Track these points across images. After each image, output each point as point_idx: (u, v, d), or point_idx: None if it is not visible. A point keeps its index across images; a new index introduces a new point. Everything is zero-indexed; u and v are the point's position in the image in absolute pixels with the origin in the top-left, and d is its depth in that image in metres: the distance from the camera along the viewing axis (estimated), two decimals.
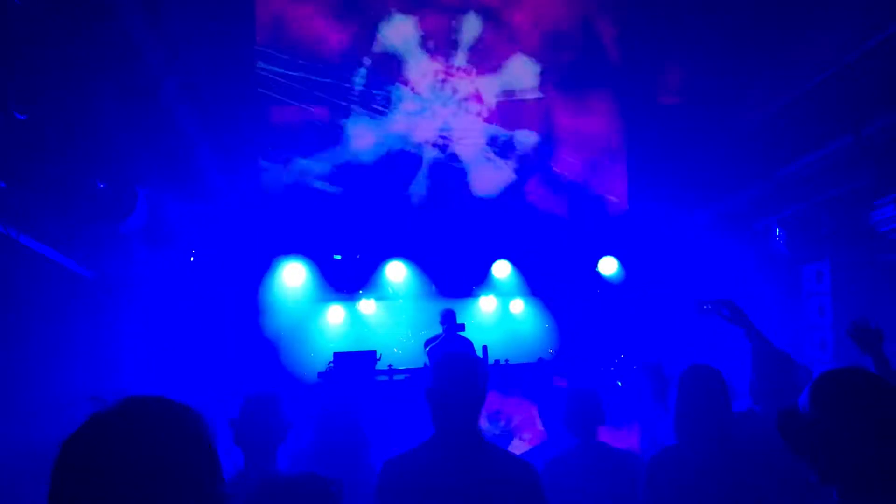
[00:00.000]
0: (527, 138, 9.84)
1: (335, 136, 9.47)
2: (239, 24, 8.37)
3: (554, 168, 9.89)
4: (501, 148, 9.81)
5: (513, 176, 9.86)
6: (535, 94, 9.77)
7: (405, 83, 9.55)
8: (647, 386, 4.79)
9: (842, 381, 1.71)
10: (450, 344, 8.55)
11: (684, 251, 9.05)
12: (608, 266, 10.03)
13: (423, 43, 9.51)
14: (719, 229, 8.59)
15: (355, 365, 8.09)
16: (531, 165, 9.86)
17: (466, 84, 9.65)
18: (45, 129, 4.98)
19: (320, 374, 8.24)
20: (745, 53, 7.50)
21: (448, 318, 8.83)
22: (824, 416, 1.61)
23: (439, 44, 9.52)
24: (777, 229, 7.27)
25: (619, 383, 7.95)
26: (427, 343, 8.98)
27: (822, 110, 6.65)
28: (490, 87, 9.72)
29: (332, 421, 4.48)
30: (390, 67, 9.47)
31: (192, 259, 8.52)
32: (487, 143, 9.78)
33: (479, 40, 9.57)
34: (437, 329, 8.93)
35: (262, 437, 3.35)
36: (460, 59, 9.60)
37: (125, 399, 1.46)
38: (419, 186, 9.72)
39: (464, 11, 9.51)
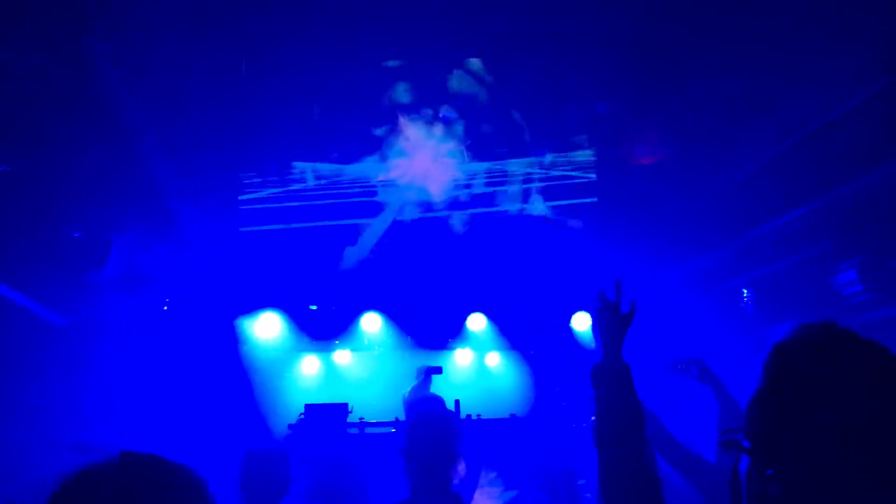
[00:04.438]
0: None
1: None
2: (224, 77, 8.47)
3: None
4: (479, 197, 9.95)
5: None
6: None
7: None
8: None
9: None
10: (422, 400, 8.52)
11: (656, 308, 9.15)
12: (582, 322, 10.09)
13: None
14: (691, 288, 8.71)
15: (327, 417, 8.05)
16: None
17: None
18: (19, 178, 5.02)
19: (291, 426, 8.18)
20: (716, 120, 7.72)
21: (425, 373, 8.82)
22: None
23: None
24: (745, 290, 7.40)
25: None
26: (406, 397, 8.93)
27: (789, 177, 6.84)
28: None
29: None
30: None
31: (165, 308, 8.51)
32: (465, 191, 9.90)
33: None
34: (413, 382, 8.91)
35: (265, 492, 3.34)
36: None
37: (121, 454, 1.40)
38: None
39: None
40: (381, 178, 9.73)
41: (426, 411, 3.03)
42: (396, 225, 9.77)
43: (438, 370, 8.85)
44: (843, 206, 6.27)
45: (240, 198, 9.14)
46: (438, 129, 9.85)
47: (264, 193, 9.34)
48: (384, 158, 9.65)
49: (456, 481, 2.87)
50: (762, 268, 7.48)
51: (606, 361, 2.33)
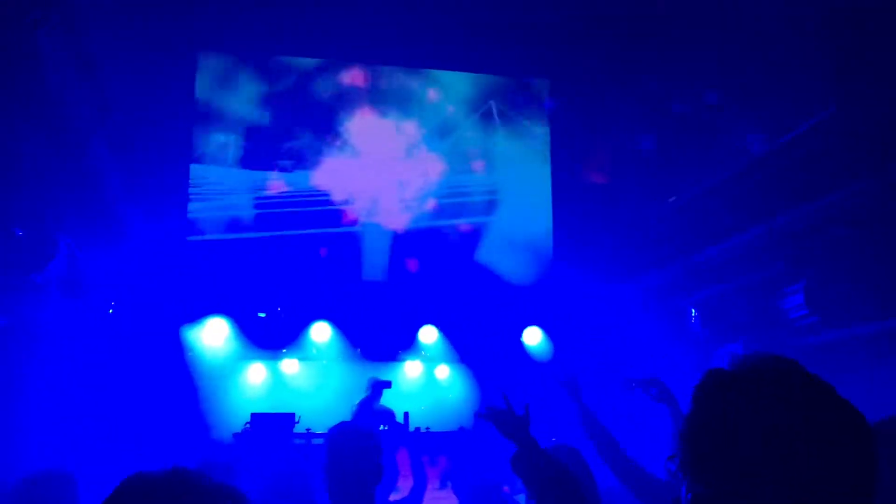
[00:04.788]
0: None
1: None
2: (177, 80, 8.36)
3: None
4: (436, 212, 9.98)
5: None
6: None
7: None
8: None
9: None
10: (371, 412, 8.44)
11: (605, 325, 9.25)
12: (533, 336, 10.13)
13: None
14: (640, 306, 8.82)
15: (273, 427, 7.92)
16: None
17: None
18: None
19: (236, 436, 8.03)
20: (665, 143, 7.88)
21: (375, 386, 8.74)
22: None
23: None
24: (693, 310, 7.53)
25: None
26: (355, 409, 8.83)
27: (739, 199, 6.99)
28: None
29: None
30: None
31: (111, 311, 8.28)
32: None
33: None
34: (361, 393, 8.82)
35: None
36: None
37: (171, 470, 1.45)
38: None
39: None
40: (331, 186, 9.69)
41: (346, 426, 2.97)
42: (352, 234, 9.72)
43: (388, 384, 8.78)
44: (791, 230, 6.43)
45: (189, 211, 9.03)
46: (393, 138, 9.87)
47: (214, 203, 9.24)
48: (333, 166, 9.62)
49: (391, 498, 2.84)
50: (710, 288, 7.62)
51: (523, 452, 2.46)
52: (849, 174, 5.73)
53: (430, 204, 9.95)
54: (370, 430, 3.03)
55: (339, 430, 2.96)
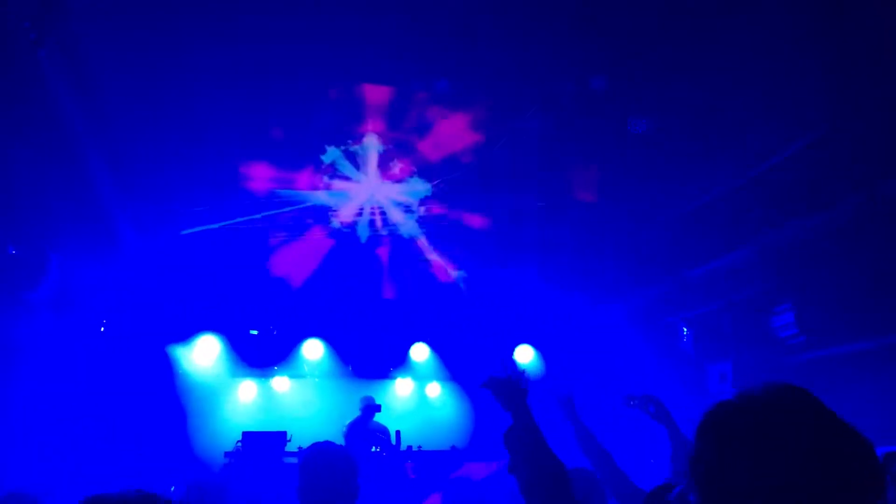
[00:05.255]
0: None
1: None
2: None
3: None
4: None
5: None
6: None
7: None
8: None
9: None
10: (365, 431, 8.45)
11: (598, 343, 9.29)
12: (524, 354, 10.16)
13: None
14: (631, 324, 8.87)
15: (264, 445, 7.90)
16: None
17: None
18: None
19: (227, 454, 7.99)
20: (656, 162, 7.93)
21: (367, 406, 8.74)
22: None
23: None
24: (684, 328, 7.57)
25: None
26: (347, 429, 8.82)
27: (729, 219, 7.05)
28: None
29: None
30: None
31: (102, 329, 8.26)
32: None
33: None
34: (354, 412, 8.81)
35: None
36: None
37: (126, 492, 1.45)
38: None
39: None
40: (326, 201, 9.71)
41: (320, 447, 2.96)
42: (344, 250, 9.73)
43: (378, 408, 8.78)
44: (780, 249, 6.49)
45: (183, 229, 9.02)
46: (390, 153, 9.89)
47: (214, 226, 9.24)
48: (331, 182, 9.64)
49: None
50: (701, 307, 7.67)
51: (518, 424, 2.42)
52: (836, 194, 5.80)
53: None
54: (344, 450, 3.00)
55: (312, 450, 2.95)
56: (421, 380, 10.49)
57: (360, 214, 9.80)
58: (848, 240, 5.84)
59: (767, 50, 6.62)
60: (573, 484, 2.34)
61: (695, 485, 1.29)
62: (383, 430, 8.52)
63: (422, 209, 9.94)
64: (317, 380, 10.06)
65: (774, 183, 6.71)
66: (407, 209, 9.88)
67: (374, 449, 8.29)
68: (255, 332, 9.72)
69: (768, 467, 1.20)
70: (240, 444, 7.95)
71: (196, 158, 9.06)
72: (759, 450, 1.23)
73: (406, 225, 9.90)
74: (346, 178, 9.75)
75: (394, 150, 9.87)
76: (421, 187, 9.97)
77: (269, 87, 8.84)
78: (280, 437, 8.06)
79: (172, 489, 3.36)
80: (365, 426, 8.55)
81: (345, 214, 9.75)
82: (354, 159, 9.79)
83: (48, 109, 5.33)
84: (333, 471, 2.83)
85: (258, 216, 9.37)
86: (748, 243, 6.78)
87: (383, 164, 9.86)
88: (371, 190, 9.86)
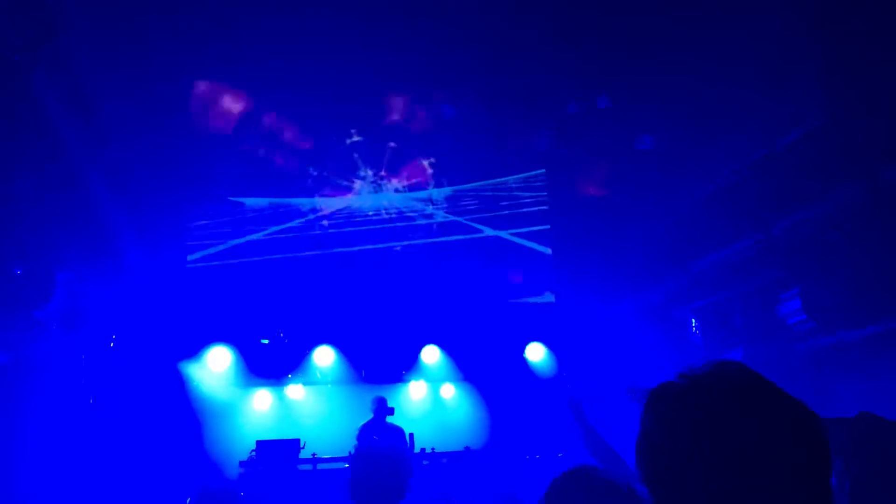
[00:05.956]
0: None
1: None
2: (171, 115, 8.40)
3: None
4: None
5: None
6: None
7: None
8: None
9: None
10: (380, 431, 8.43)
11: (609, 340, 9.24)
12: (535, 352, 10.12)
13: None
14: (641, 319, 8.82)
15: (278, 454, 7.92)
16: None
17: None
18: None
19: (242, 464, 8.02)
20: (661, 153, 7.90)
21: (380, 406, 8.73)
22: None
23: None
24: (693, 320, 7.53)
25: None
26: (359, 431, 8.81)
27: (734, 208, 7.02)
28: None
29: None
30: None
31: (112, 344, 8.31)
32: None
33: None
34: (367, 416, 8.81)
35: None
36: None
37: None
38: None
39: None
40: (330, 210, 9.76)
41: (373, 444, 3.03)
42: (350, 256, 9.76)
43: (391, 411, 8.77)
44: (787, 236, 6.45)
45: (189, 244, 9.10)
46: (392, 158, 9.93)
47: (217, 247, 9.32)
48: (332, 191, 9.69)
49: None
50: (709, 297, 7.63)
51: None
52: (839, 181, 5.76)
53: (434, 220, 10.01)
54: (399, 447, 3.06)
55: (364, 449, 3.00)
56: (434, 382, 10.47)
57: (369, 217, 9.84)
58: (853, 226, 5.80)
59: (770, 39, 6.60)
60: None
61: (640, 462, 1.30)
62: (398, 431, 8.50)
63: (432, 210, 9.98)
64: (330, 386, 10.07)
65: (778, 171, 6.68)
66: (417, 211, 9.91)
67: None
68: (266, 342, 9.74)
69: (709, 442, 1.20)
70: (254, 453, 7.98)
71: (196, 174, 9.15)
72: (699, 424, 1.23)
73: (415, 226, 9.93)
74: (352, 183, 9.81)
75: (404, 151, 9.95)
76: (432, 190, 10.02)
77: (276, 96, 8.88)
78: (293, 445, 8.08)
79: (189, 501, 3.37)
80: (378, 428, 8.54)
81: (352, 216, 9.81)
82: (364, 162, 9.85)
83: (44, 131, 5.39)
84: (389, 468, 2.88)
85: (261, 235, 9.41)
86: (755, 232, 6.74)
87: (394, 167, 9.93)
88: (381, 193, 9.92)
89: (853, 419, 2.44)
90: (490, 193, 10.22)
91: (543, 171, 10.12)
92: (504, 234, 10.13)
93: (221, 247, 9.41)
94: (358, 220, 9.94)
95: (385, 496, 2.85)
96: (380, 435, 8.39)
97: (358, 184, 9.91)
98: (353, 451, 8.11)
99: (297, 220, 9.74)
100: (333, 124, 9.65)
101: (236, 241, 9.51)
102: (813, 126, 6.29)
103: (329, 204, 9.86)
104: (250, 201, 9.58)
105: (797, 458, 1.18)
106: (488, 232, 10.16)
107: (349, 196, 9.91)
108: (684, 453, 1.22)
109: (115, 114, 6.73)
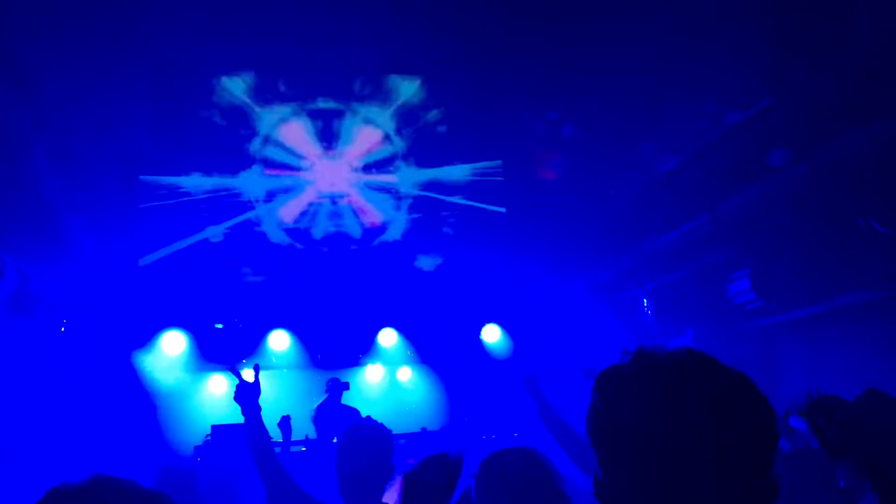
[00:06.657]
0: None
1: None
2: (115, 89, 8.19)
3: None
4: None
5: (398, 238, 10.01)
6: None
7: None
8: None
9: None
10: (336, 413, 8.42)
11: (562, 320, 9.36)
12: (491, 334, 10.20)
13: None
14: (593, 299, 8.94)
15: (234, 438, 7.86)
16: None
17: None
18: None
19: (197, 448, 7.95)
20: (612, 135, 7.99)
21: (334, 386, 8.72)
22: None
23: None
24: (645, 300, 7.66)
25: None
26: (315, 412, 8.79)
27: (683, 189, 7.14)
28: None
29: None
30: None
31: (63, 329, 8.14)
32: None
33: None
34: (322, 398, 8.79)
35: None
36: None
37: (92, 477, 1.44)
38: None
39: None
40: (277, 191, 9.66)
41: (360, 424, 3.02)
42: (305, 240, 9.68)
43: (346, 386, 8.77)
44: (735, 216, 6.59)
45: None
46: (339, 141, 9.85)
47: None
48: (281, 171, 9.58)
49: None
50: (661, 278, 7.76)
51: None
52: (787, 160, 5.89)
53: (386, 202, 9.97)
54: (383, 429, 3.05)
55: (352, 428, 2.99)
56: (391, 365, 10.50)
57: (317, 202, 9.76)
58: (798, 204, 5.94)
59: (716, 17, 6.70)
60: None
61: (590, 438, 1.36)
62: (353, 413, 8.50)
63: (383, 193, 9.93)
64: (285, 370, 10.02)
65: (727, 151, 6.80)
66: (369, 194, 9.87)
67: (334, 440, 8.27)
68: (220, 326, 9.64)
69: (657, 418, 1.24)
70: (209, 437, 7.91)
71: (142, 154, 8.95)
72: (647, 400, 1.27)
73: (367, 209, 9.88)
74: (298, 167, 9.71)
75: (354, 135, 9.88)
76: (384, 170, 9.96)
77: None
78: None
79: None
80: (333, 408, 8.53)
81: (301, 203, 9.71)
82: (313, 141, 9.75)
83: None
84: (377, 449, 2.87)
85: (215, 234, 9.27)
86: (703, 212, 6.87)
87: (342, 147, 9.85)
88: (331, 176, 9.83)
89: (863, 395, 2.54)
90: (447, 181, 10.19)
91: (500, 162, 10.13)
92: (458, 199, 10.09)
93: (176, 247, 9.24)
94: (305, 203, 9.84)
95: (376, 475, 2.87)
96: (336, 416, 8.38)
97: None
98: (314, 435, 8.14)
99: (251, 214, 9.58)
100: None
101: (188, 241, 9.32)
102: (760, 108, 6.42)
103: (280, 183, 9.73)
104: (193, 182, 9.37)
105: (742, 429, 1.23)
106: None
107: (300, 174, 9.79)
108: (632, 426, 1.26)
109: (57, 86, 6.55)
